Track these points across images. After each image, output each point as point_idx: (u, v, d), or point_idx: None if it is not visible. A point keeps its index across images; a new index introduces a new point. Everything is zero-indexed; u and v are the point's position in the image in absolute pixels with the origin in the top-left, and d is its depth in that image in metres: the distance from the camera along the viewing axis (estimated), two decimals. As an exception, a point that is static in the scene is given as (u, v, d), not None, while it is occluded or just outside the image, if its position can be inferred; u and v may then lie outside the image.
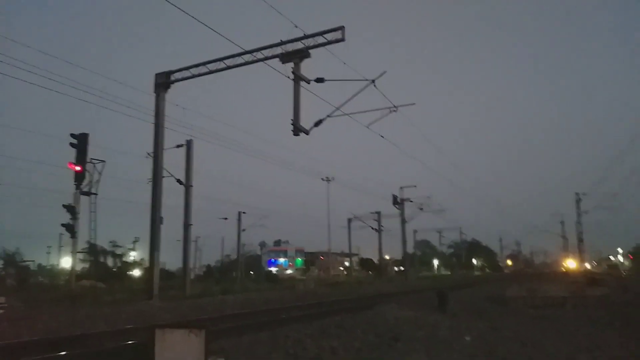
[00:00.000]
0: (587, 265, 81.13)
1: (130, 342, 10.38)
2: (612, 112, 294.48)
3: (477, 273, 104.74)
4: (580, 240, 61.33)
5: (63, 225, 23.97)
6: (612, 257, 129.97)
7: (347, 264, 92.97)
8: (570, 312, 14.90)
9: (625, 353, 8.57)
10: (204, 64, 21.61)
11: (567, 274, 56.46)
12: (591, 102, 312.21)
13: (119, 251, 61.04)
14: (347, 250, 77.14)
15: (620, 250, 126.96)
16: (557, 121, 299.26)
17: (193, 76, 22.05)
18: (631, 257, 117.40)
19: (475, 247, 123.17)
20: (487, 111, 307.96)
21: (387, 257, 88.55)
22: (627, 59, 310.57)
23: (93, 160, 26.06)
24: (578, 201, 58.34)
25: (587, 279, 31.10)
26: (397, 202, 57.96)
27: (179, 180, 28.78)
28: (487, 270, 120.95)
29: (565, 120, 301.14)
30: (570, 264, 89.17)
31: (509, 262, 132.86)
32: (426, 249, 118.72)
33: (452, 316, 13.76)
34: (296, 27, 18.03)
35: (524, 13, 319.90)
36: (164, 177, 23.52)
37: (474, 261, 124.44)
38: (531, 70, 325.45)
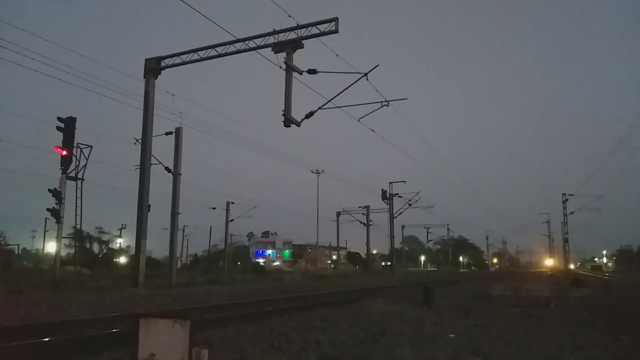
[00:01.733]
0: (572, 266, 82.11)
1: (113, 330, 10.27)
2: (602, 113, 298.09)
3: (463, 270, 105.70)
4: (566, 240, 62.01)
5: (48, 210, 23.64)
6: (596, 259, 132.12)
7: (334, 257, 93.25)
8: (554, 312, 15.03)
9: (607, 353, 8.64)
10: (195, 50, 21.38)
11: (553, 274, 57.03)
12: (580, 102, 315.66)
13: (105, 237, 60.73)
14: (335, 244, 77.34)
15: (604, 251, 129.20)
16: (546, 121, 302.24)
17: (184, 63, 21.80)
18: (615, 259, 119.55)
19: (461, 244, 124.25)
20: (477, 109, 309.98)
21: (374, 251, 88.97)
22: (617, 60, 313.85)
23: (80, 145, 25.64)
24: (565, 201, 58.89)
25: (570, 280, 31.47)
26: (386, 197, 58.12)
27: (167, 168, 28.50)
28: (473, 267, 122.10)
29: (555, 120, 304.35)
30: (548, 262, 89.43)
31: (495, 260, 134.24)
32: (413, 245, 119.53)
33: (437, 312, 13.81)
34: (289, 16, 17.88)
35: (517, 11, 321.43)
36: (152, 164, 23.30)
37: (460, 258, 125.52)
38: (522, 68, 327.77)
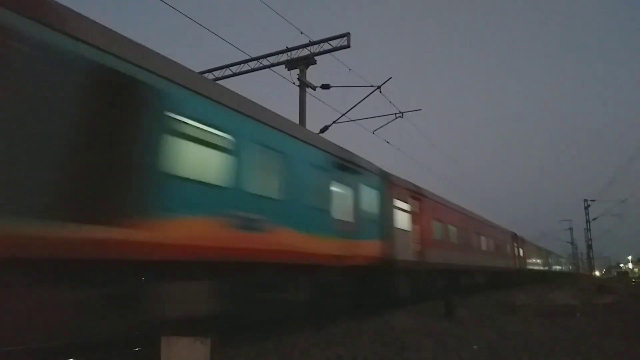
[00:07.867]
0: (597, 273, 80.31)
1: (136, 349, 10.33)
2: (622, 118, 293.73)
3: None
4: (589, 247, 60.79)
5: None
6: (621, 265, 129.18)
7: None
8: (580, 321, 14.70)
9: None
10: (210, 70, 21.71)
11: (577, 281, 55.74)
12: (600, 108, 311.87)
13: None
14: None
15: (629, 257, 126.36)
16: (566, 127, 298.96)
17: (200, 83, 22.12)
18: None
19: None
20: (494, 117, 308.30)
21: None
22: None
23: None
24: (587, 207, 57.85)
25: (596, 287, 30.80)
26: (404, 208, 57.70)
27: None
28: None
29: (575, 126, 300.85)
30: None
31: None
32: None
33: (459, 324, 13.61)
34: (302, 33, 18.14)
35: (534, 19, 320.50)
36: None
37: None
38: (541, 76, 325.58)
